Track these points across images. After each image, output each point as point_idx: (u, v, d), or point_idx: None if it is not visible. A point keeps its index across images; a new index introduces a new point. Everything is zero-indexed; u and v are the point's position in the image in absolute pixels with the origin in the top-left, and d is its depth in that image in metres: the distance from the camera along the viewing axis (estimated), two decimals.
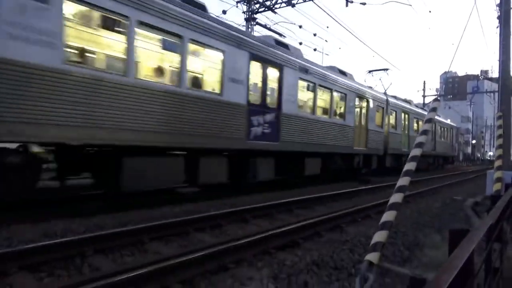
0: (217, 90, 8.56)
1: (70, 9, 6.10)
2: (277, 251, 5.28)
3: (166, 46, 7.53)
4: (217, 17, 8.88)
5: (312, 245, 5.69)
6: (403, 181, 3.74)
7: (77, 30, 6.19)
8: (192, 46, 7.85)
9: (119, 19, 6.64)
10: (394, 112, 17.16)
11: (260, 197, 9.21)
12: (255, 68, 9.52)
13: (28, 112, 5.60)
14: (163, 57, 7.54)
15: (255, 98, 9.62)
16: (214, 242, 5.08)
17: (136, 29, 6.81)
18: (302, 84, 11.18)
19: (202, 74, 8.39)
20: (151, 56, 7.34)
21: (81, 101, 6.12)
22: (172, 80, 7.60)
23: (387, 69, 19.44)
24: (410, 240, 6.12)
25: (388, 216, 3.45)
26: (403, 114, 18.19)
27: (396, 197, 3.54)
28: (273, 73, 10.13)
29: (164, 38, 7.38)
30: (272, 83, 10.22)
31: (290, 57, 10.63)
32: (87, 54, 6.39)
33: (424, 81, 41.48)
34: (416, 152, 3.94)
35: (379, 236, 3.21)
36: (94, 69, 6.33)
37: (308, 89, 11.50)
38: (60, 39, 5.89)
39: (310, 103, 11.64)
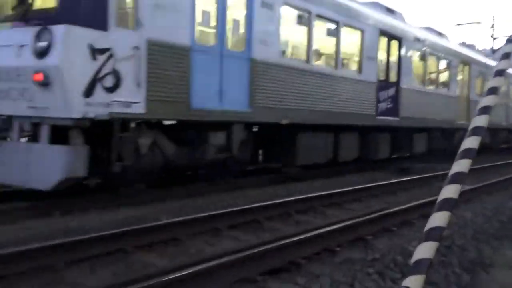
0: (357, 69, 13.39)
1: (283, 13, 10.78)
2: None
3: (329, 33, 12.48)
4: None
5: (321, 267, 5.48)
6: (460, 165, 3.29)
7: (284, 28, 10.88)
8: (344, 30, 12.59)
9: (305, 14, 11.47)
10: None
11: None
12: (382, 43, 14.15)
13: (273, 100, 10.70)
14: (326, 43, 12.39)
15: (381, 74, 14.17)
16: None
17: (314, 21, 11.61)
18: (416, 54, 15.51)
19: (348, 55, 13.15)
20: (321, 43, 12.32)
21: (290, 88, 11.14)
22: (330, 64, 12.56)
23: (479, 22, 25.41)
24: (471, 258, 6.05)
25: (437, 219, 3.04)
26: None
27: (449, 191, 3.11)
28: (394, 47, 14.72)
29: (328, 26, 12.33)
30: (393, 57, 14.80)
31: (407, 28, 15.07)
32: (289, 48, 11.51)
33: (493, 17, 41.05)
34: (481, 121, 3.49)
35: (424, 251, 2.87)
36: (294, 60, 11.45)
37: (420, 59, 15.41)
38: (278, 38, 10.68)
39: (421, 74, 15.95)
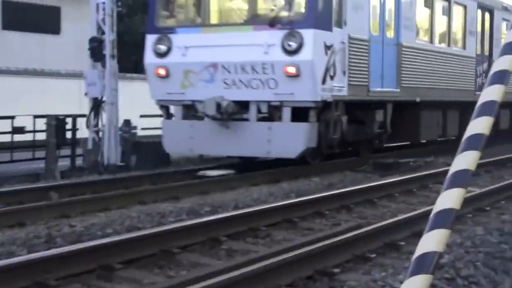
0: (462, 45, 20.53)
1: None
2: None
3: (444, 11, 19.54)
4: None
5: None
6: (462, 161, 3.44)
7: (417, 12, 18.20)
8: (454, 8, 19.40)
9: None
10: None
11: None
12: (479, 17, 21.35)
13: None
14: (442, 22, 19.34)
15: (479, 48, 21.51)
16: None
17: (436, 2, 19.23)
18: (504, 25, 22.99)
19: (456, 32, 20.02)
20: (439, 22, 19.58)
21: (420, 68, 18.68)
22: (445, 41, 19.85)
23: None
24: None
25: (429, 243, 3.14)
26: None
27: (447, 199, 3.21)
28: (487, 19, 22.24)
29: (444, 4, 19.65)
30: (486, 30, 22.29)
31: None
32: (420, 31, 19.16)
33: None
34: (492, 93, 3.71)
35: None
36: (422, 41, 18.98)
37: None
38: (414, 22, 18.00)
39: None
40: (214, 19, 16.26)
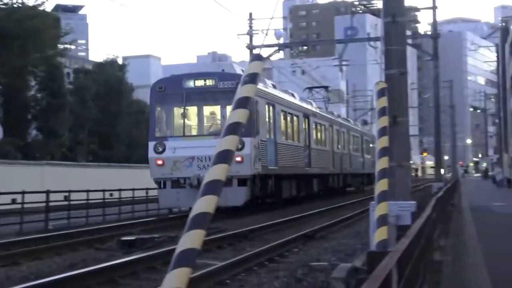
0: (297, 140, 36.93)
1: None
2: None
3: (292, 120, 35.94)
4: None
5: None
6: (187, 240, 3.48)
7: (282, 123, 35.05)
8: (294, 117, 36.22)
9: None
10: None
11: None
12: (303, 121, 38.13)
13: None
14: (292, 127, 36.36)
15: (304, 140, 38.49)
16: None
17: (287, 116, 35.98)
18: (316, 125, 42.52)
19: (296, 132, 37.04)
20: (290, 127, 36.01)
21: (286, 155, 35.03)
22: (292, 138, 35.95)
23: (327, 87, 51.32)
24: None
25: None
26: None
27: (172, 279, 3.22)
28: (307, 122, 38.94)
29: (289, 116, 35.46)
30: (306, 129, 39.15)
31: (309, 107, 41.54)
32: (283, 134, 35.60)
33: (251, 13, 45.58)
34: (215, 173, 3.81)
35: None
36: (286, 139, 35.08)
37: (319, 130, 44.12)
38: (281, 129, 34.42)
39: (320, 140, 43.70)
40: (190, 132, 28.70)
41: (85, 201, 28.34)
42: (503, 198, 40.50)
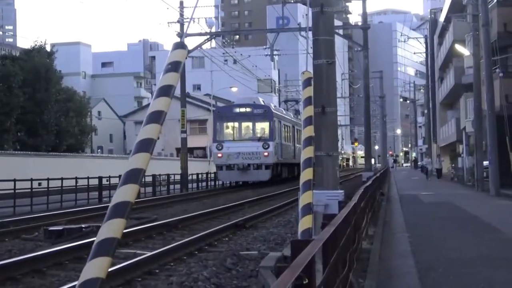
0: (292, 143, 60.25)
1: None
2: None
3: (288, 130, 58.94)
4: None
5: None
6: (108, 229, 3.46)
7: (284, 131, 60.20)
8: (291, 127, 59.17)
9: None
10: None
11: None
12: (291, 129, 59.29)
13: None
14: (290, 134, 59.85)
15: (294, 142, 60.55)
16: None
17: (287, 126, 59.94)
18: (296, 131, 60.83)
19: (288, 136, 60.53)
20: (289, 134, 60.17)
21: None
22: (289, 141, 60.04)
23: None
24: None
25: None
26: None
27: (91, 269, 3.20)
28: (292, 129, 59.58)
29: (288, 127, 58.92)
30: (293, 133, 60.01)
31: (294, 119, 60.92)
32: (286, 138, 61.51)
33: (182, 1, 45.25)
34: (135, 162, 3.77)
35: None
36: (287, 142, 60.12)
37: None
38: (284, 134, 59.61)
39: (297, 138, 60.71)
40: (237, 138, 49.08)
41: (12, 191, 27.75)
42: (432, 187, 41.38)
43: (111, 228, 3.24)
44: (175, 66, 4.00)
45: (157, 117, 3.76)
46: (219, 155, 47.33)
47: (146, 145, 3.54)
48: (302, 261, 3.62)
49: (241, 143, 47.33)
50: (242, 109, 49.18)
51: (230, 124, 49.74)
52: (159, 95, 3.88)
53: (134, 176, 3.43)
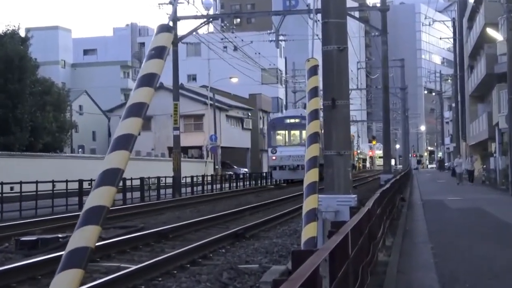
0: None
1: None
2: None
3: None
4: None
5: None
6: (80, 237, 3.49)
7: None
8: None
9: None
10: None
11: None
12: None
13: None
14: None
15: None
16: None
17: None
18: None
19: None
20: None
21: None
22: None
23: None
24: None
25: None
26: None
27: (60, 282, 3.22)
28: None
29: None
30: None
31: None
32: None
33: None
34: (114, 161, 3.80)
35: None
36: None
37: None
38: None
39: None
40: (287, 143, 66.96)
41: None
42: (460, 192, 41.21)
43: (84, 236, 3.25)
44: (159, 52, 3.97)
45: (138, 110, 3.77)
46: (274, 158, 65.54)
47: (125, 142, 3.53)
48: (303, 273, 3.61)
49: (291, 148, 64.20)
50: (292, 120, 67.15)
51: (282, 132, 68.02)
52: (140, 85, 3.87)
53: (110, 177, 3.42)
